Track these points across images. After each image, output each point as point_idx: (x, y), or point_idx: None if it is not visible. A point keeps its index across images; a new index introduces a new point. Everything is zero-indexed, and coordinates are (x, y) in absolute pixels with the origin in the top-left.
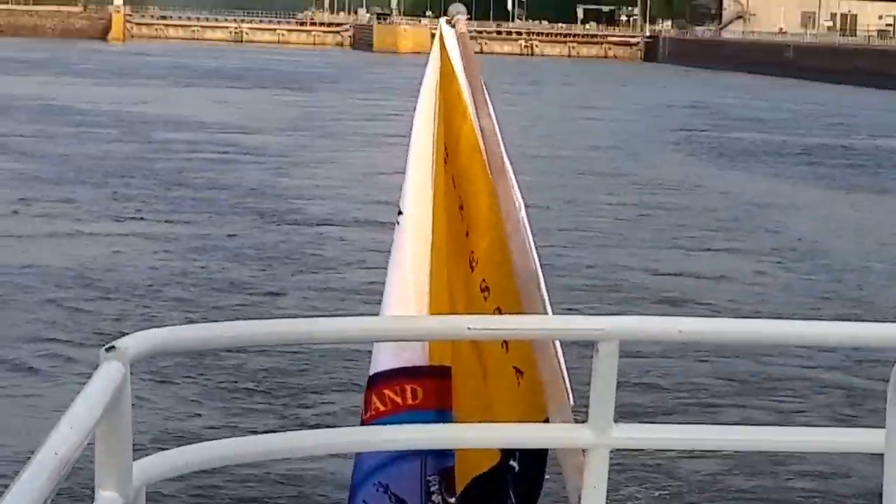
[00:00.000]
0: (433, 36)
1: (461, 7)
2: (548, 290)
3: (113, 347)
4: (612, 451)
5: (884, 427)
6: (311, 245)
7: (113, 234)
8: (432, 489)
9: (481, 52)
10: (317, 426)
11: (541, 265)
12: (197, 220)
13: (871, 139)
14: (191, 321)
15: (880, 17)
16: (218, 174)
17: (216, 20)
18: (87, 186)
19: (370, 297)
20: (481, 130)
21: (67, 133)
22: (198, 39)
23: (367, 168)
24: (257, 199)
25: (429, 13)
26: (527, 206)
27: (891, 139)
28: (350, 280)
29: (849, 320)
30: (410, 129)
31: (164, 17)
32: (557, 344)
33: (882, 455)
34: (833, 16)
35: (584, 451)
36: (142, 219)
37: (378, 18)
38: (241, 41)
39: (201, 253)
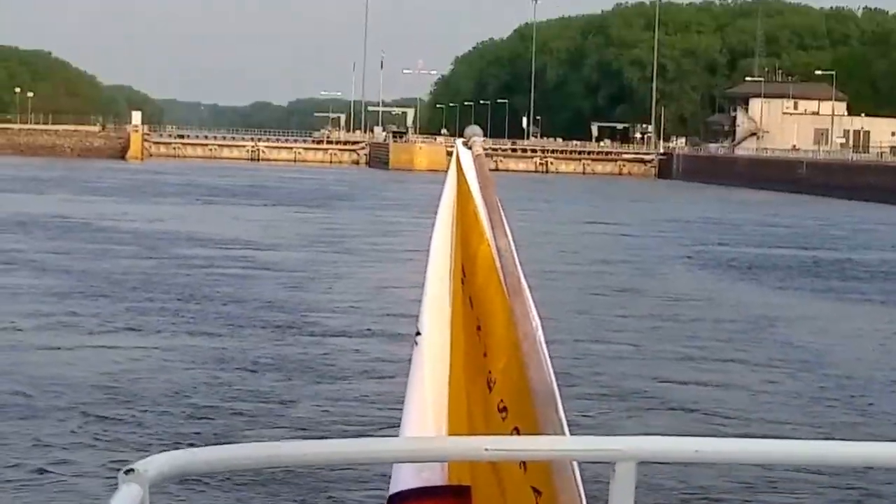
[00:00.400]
0: (448, 153)
1: (477, 129)
2: (564, 404)
3: (132, 470)
4: None
5: None
6: (327, 356)
7: (133, 347)
8: None
9: (496, 168)
10: None
11: (557, 383)
12: (216, 333)
13: (881, 252)
14: (210, 433)
15: (893, 134)
16: (236, 288)
17: (233, 139)
18: (108, 300)
19: (383, 405)
20: (498, 250)
21: (88, 249)
22: (215, 158)
23: (381, 282)
24: (274, 312)
25: (444, 131)
26: (542, 319)
27: None
28: (363, 389)
29: (853, 430)
30: (428, 249)
31: (181, 136)
32: (575, 464)
33: None
34: (846, 132)
35: None
36: (161, 332)
37: (394, 137)
38: (258, 160)
39: (220, 364)
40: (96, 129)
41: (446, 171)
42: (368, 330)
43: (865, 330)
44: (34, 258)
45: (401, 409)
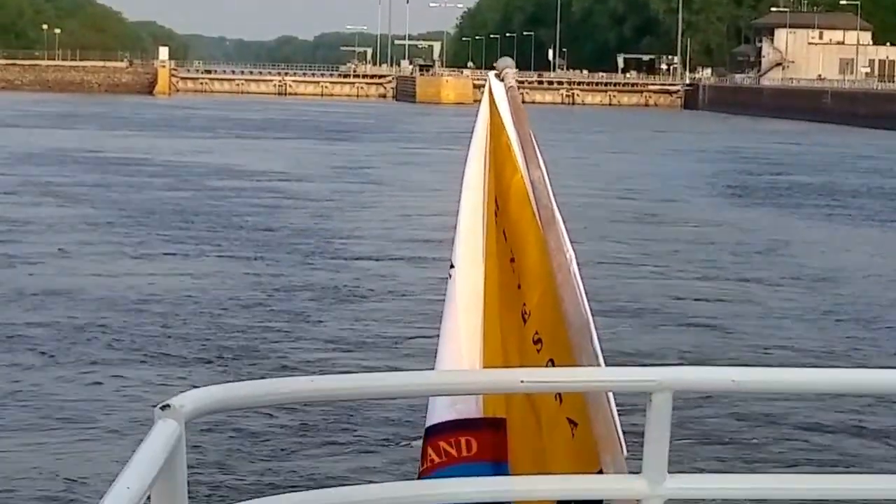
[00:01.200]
0: (475, 87)
1: (509, 61)
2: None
3: (168, 406)
4: (666, 502)
5: None
6: (354, 280)
7: (171, 273)
8: None
9: (523, 101)
10: (370, 481)
11: (591, 314)
12: (249, 258)
13: (894, 179)
14: (243, 349)
15: None
16: (266, 218)
17: (259, 73)
18: (146, 229)
19: (408, 324)
20: (531, 182)
21: (124, 182)
22: (242, 92)
23: (406, 211)
24: (303, 239)
25: (470, 64)
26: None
27: None
28: (388, 309)
29: (860, 342)
30: (461, 182)
31: (208, 72)
32: (611, 395)
33: None
34: (871, 62)
35: (638, 501)
36: (197, 257)
37: (420, 70)
38: (285, 94)
39: (253, 286)
40: (124, 64)
41: (478, 103)
42: (394, 255)
43: (872, 249)
44: (74, 191)
45: (425, 330)
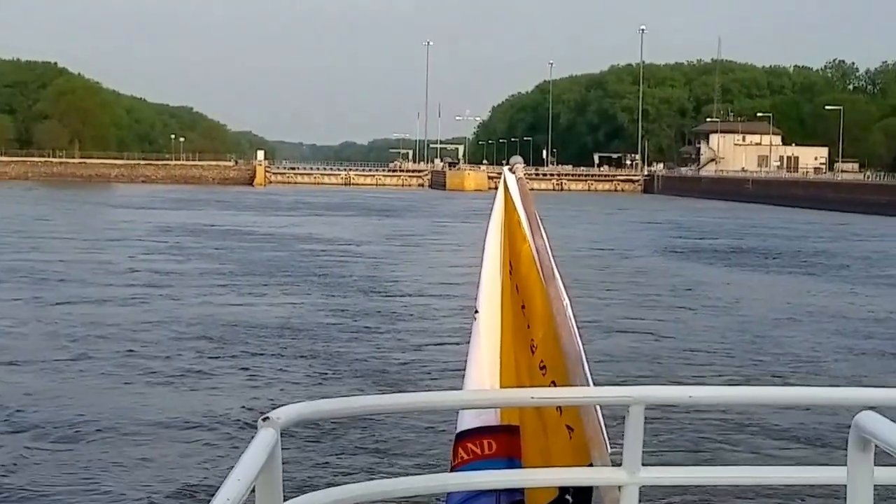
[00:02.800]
0: (489, 178)
1: (519, 158)
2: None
3: (267, 418)
4: (641, 488)
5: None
6: (400, 308)
7: (275, 304)
8: None
9: (533, 187)
10: (416, 473)
11: (582, 345)
12: (327, 295)
13: (795, 242)
14: (326, 355)
15: (815, 158)
16: (338, 269)
17: (329, 169)
18: (256, 277)
19: (438, 338)
20: (536, 249)
21: (237, 245)
22: (317, 183)
23: (436, 265)
24: (364, 282)
25: (485, 162)
26: (569, 298)
27: (810, 241)
28: (426, 326)
29: (758, 348)
30: (483, 249)
31: (292, 168)
32: (598, 407)
33: (843, 487)
34: (781, 158)
35: (619, 488)
36: (292, 295)
37: (449, 166)
38: (349, 184)
39: (329, 314)
40: (231, 163)
41: (493, 190)
42: (426, 292)
43: (765, 288)
44: (203, 251)
45: (447, 338)
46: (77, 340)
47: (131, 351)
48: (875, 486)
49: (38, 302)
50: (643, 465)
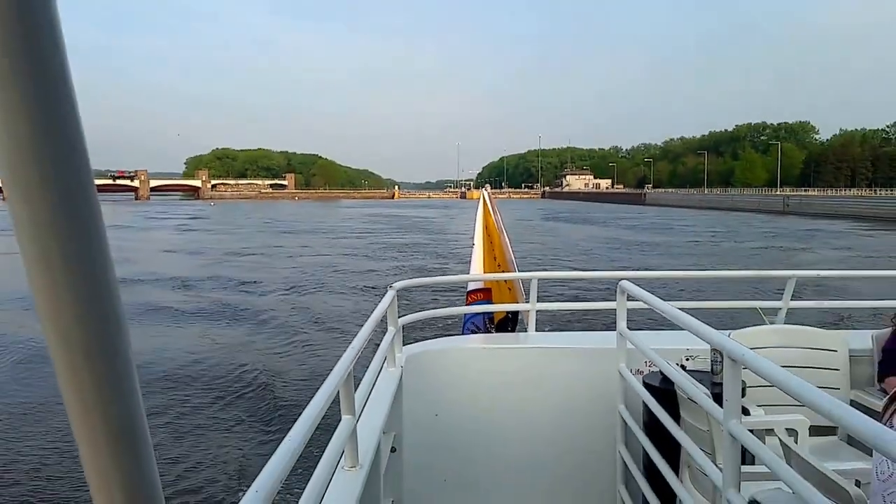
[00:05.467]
0: (483, 192)
1: (488, 186)
2: (517, 264)
3: (391, 286)
4: (537, 312)
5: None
6: (443, 242)
7: (405, 238)
8: (487, 324)
9: (496, 198)
10: (451, 306)
11: (516, 261)
12: (425, 233)
13: (598, 214)
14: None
15: (607, 186)
16: (425, 224)
17: (422, 192)
18: (402, 230)
19: (461, 247)
20: (496, 220)
21: (392, 219)
22: (418, 198)
23: (458, 226)
24: (432, 231)
25: (487, 185)
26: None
27: (604, 214)
28: (453, 248)
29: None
30: (474, 221)
31: (409, 191)
32: (520, 282)
33: (614, 310)
34: (594, 184)
35: (529, 312)
36: (411, 233)
37: (467, 188)
38: (430, 198)
39: (421, 239)
40: (385, 191)
41: (480, 199)
42: (457, 231)
43: (582, 230)
44: (383, 221)
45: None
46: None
47: (357, 253)
48: (627, 309)
49: (329, 243)
50: (537, 301)
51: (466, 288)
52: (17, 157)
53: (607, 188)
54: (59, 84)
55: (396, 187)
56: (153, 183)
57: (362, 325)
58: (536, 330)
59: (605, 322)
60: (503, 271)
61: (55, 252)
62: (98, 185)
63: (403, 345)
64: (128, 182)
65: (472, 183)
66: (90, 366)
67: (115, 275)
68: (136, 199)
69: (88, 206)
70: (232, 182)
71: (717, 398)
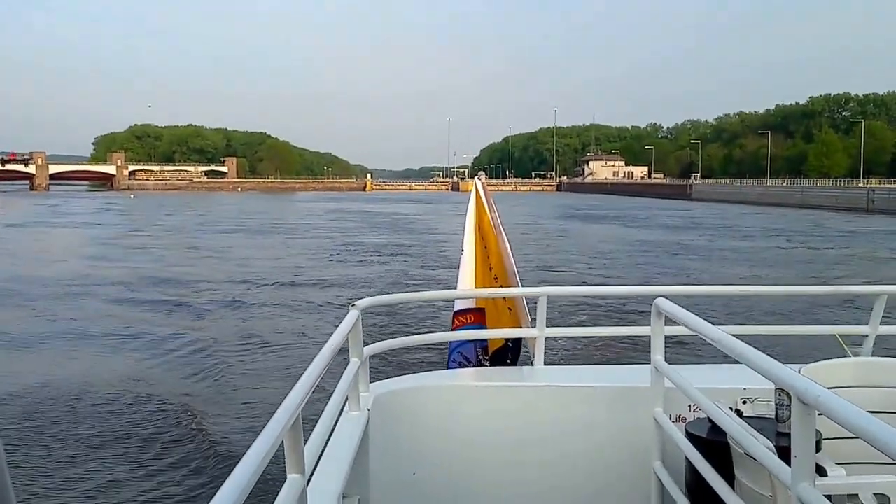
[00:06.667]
0: (476, 181)
1: (482, 173)
2: (519, 277)
3: (353, 304)
4: (546, 338)
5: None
6: (430, 244)
7: (380, 237)
8: (479, 354)
9: (495, 191)
10: (432, 332)
11: (518, 270)
12: (400, 232)
13: (624, 210)
14: (388, 272)
15: (640, 173)
16: (410, 224)
17: (402, 182)
18: (378, 232)
19: (447, 247)
20: (492, 219)
21: (363, 215)
22: (396, 189)
23: (449, 226)
24: (416, 231)
25: (481, 173)
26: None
27: (632, 210)
28: (442, 250)
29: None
30: (465, 220)
31: (385, 181)
32: (523, 300)
33: (648, 336)
34: (624, 173)
35: (535, 339)
36: (388, 233)
37: (461, 178)
38: (412, 190)
39: (399, 239)
40: (353, 180)
41: (472, 190)
42: (446, 230)
43: (605, 230)
44: (347, 217)
45: (454, 259)
46: (299, 255)
47: (332, 253)
48: (666, 336)
49: (288, 242)
50: (547, 326)
51: (453, 308)
52: None
53: (642, 177)
54: None
55: (369, 175)
56: (53, 169)
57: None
58: (545, 363)
59: (636, 353)
60: (501, 285)
61: None
62: None
63: (370, 381)
64: (21, 168)
65: (466, 171)
66: None
67: None
68: (32, 188)
69: None
70: (156, 168)
71: (784, 453)
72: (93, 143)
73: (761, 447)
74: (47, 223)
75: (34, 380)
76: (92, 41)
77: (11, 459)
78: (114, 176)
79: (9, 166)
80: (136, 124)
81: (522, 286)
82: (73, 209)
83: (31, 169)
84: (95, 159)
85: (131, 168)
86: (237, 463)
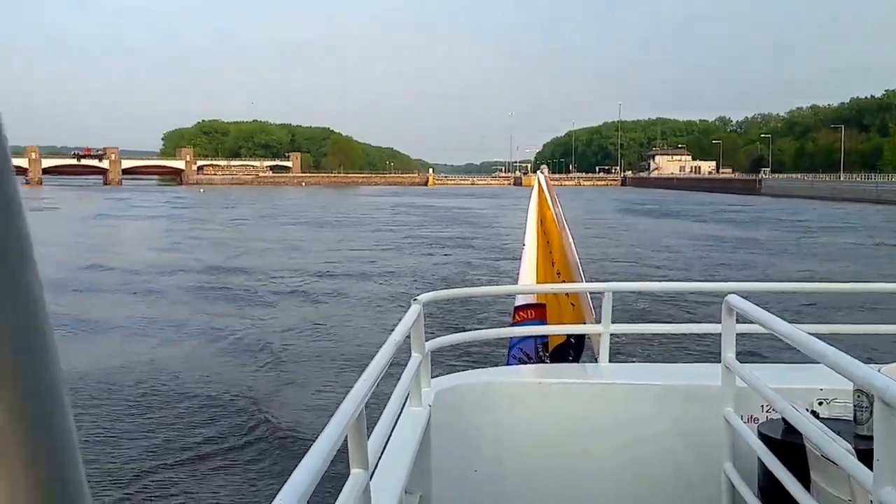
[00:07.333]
0: (539, 175)
1: (545, 167)
2: (583, 271)
3: (415, 299)
4: (611, 335)
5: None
6: (492, 237)
7: (447, 231)
8: (539, 351)
9: (558, 185)
10: (493, 328)
11: (581, 267)
12: (466, 226)
13: (691, 207)
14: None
15: (710, 171)
16: (476, 219)
17: (464, 177)
18: (439, 222)
19: (511, 241)
20: (555, 214)
21: (426, 209)
22: (458, 184)
23: (511, 220)
24: (478, 225)
25: (544, 167)
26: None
27: (700, 207)
28: (504, 242)
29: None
30: (527, 214)
31: (446, 176)
32: (587, 295)
33: (719, 334)
34: (691, 168)
35: (599, 335)
36: (453, 226)
37: (523, 173)
38: (474, 185)
39: (465, 233)
40: (415, 175)
41: (535, 183)
42: (509, 224)
43: (668, 226)
44: (411, 211)
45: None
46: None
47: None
48: (737, 334)
49: (354, 234)
50: (612, 322)
51: (514, 303)
52: None
53: (710, 172)
54: None
55: (430, 171)
56: (126, 164)
57: (379, 348)
58: (610, 360)
59: (704, 351)
60: (564, 281)
61: None
62: (58, 167)
63: (432, 377)
64: (95, 163)
65: (529, 166)
66: (6, 389)
67: (40, 279)
68: (106, 183)
69: (3, 193)
70: (223, 163)
71: (865, 456)
72: (162, 139)
73: (840, 450)
74: (125, 216)
75: (108, 363)
76: (159, 41)
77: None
78: (183, 171)
79: (84, 161)
80: (203, 120)
81: (586, 281)
82: (145, 202)
83: (105, 164)
84: (164, 155)
85: (199, 163)
86: (302, 456)
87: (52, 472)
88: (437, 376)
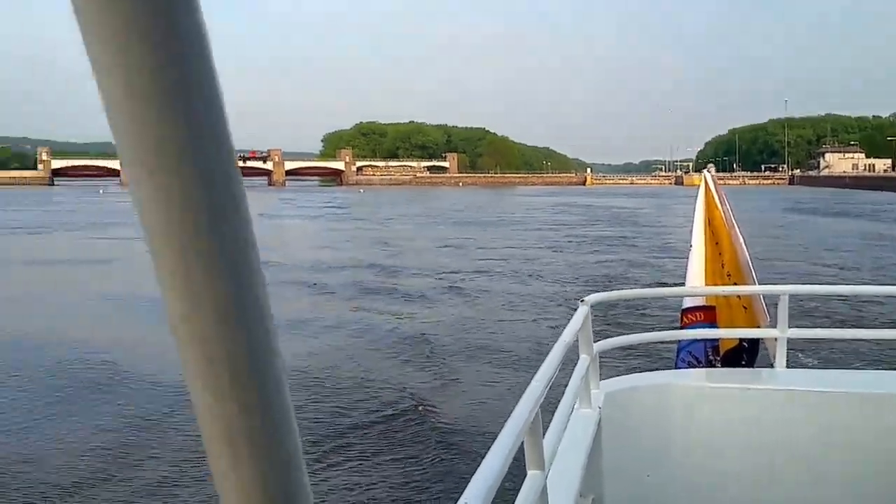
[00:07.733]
0: (706, 174)
1: (711, 165)
2: (755, 272)
3: (583, 300)
4: (788, 339)
5: None
6: (654, 236)
7: (606, 228)
8: (709, 354)
9: (722, 184)
10: (662, 330)
11: (753, 266)
12: (625, 225)
13: (860, 207)
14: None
15: (885, 169)
16: (626, 216)
17: (622, 177)
18: (598, 221)
19: (674, 240)
20: (723, 212)
21: (585, 209)
22: (617, 184)
23: (672, 220)
24: (639, 224)
25: (710, 165)
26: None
27: (870, 206)
28: (667, 241)
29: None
30: (693, 215)
31: (604, 175)
32: (761, 298)
33: None
34: (864, 165)
35: (775, 339)
36: (610, 225)
37: (684, 172)
38: (633, 184)
39: (625, 231)
40: (573, 175)
41: (701, 183)
42: (671, 224)
43: (842, 225)
44: (571, 210)
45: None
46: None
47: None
48: None
49: (516, 234)
50: (789, 327)
51: (682, 305)
52: (144, 136)
53: (886, 171)
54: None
55: (588, 170)
56: (288, 165)
57: (550, 348)
58: (788, 366)
59: (885, 357)
60: (735, 283)
61: (194, 246)
62: None
63: (600, 379)
64: (260, 164)
65: (690, 165)
66: (232, 378)
67: (263, 273)
68: (270, 184)
69: (231, 191)
70: (381, 164)
71: None
72: (321, 141)
73: None
74: (300, 215)
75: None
76: (318, 48)
77: None
78: (343, 172)
79: (249, 163)
80: (361, 122)
81: (760, 283)
82: (312, 202)
83: (269, 166)
84: (324, 156)
85: (358, 164)
86: (482, 458)
87: (279, 464)
88: (604, 379)
